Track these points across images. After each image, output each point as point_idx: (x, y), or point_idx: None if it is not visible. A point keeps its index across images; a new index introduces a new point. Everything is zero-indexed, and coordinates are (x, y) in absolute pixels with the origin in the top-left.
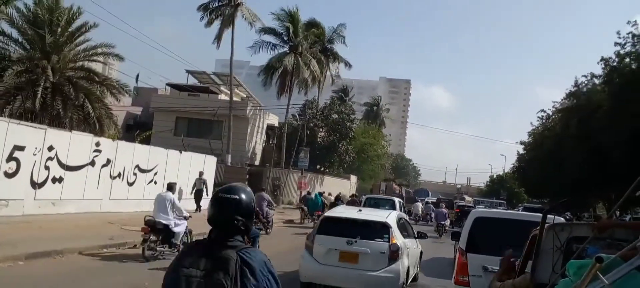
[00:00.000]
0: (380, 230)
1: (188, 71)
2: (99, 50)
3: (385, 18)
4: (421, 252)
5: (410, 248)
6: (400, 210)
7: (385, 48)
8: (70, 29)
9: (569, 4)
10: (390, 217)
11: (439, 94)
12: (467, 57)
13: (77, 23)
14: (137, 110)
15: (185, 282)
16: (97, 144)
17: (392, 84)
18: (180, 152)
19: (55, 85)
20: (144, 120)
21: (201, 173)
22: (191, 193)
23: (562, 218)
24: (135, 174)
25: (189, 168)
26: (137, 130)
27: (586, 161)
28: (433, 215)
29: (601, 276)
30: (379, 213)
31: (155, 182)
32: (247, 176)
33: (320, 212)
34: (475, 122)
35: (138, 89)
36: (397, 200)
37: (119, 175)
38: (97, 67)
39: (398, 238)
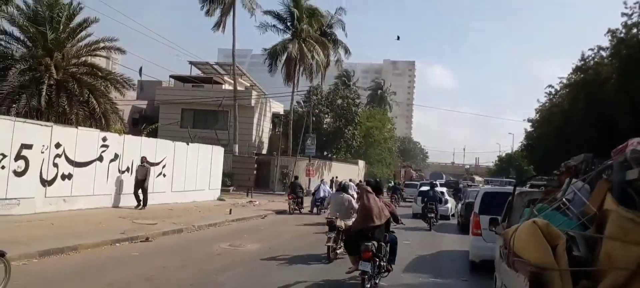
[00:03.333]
0: None
1: (191, 62)
2: (101, 44)
3: (384, 1)
4: None
5: None
6: None
7: (386, 29)
8: (71, 25)
9: None
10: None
11: (440, 73)
12: (466, 35)
13: (78, 19)
14: (143, 104)
15: None
16: (104, 139)
17: (396, 66)
18: (188, 144)
19: (60, 82)
20: (150, 114)
21: (144, 159)
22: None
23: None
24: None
25: (197, 160)
26: (143, 124)
27: (594, 135)
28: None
29: (535, 211)
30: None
31: (164, 175)
32: (255, 165)
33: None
34: (478, 101)
35: (142, 83)
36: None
37: (128, 169)
38: (100, 62)
39: None
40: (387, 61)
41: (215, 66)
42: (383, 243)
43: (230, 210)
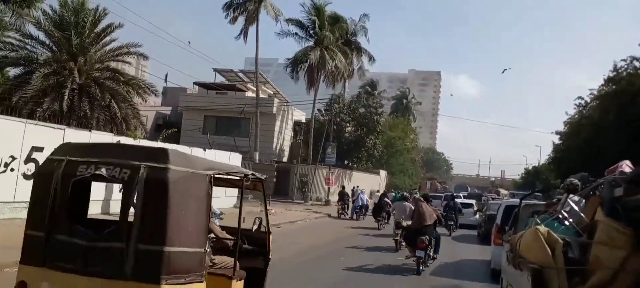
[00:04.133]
0: None
1: (215, 69)
2: (125, 50)
3: (410, 10)
4: None
5: None
6: None
7: (412, 40)
8: (96, 30)
9: None
10: None
11: (466, 84)
12: (491, 45)
13: (103, 24)
14: (167, 110)
15: None
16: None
17: (421, 76)
18: (204, 150)
19: (82, 87)
20: (174, 120)
21: None
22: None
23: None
24: None
25: None
26: (166, 129)
27: (626, 149)
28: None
29: (537, 220)
30: None
31: None
32: (275, 173)
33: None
34: (504, 113)
35: (167, 89)
36: None
37: None
38: (129, 69)
39: None
40: (412, 71)
41: (239, 74)
42: (432, 238)
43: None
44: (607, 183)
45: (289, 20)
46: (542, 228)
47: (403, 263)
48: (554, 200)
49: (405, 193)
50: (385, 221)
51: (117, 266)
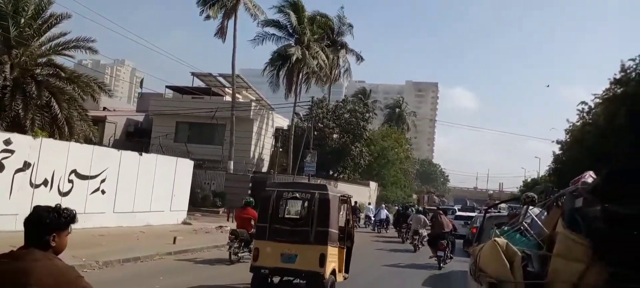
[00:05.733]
0: None
1: (193, 73)
2: (72, 44)
3: (408, 22)
4: None
5: None
6: None
7: (408, 52)
8: (38, 21)
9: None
10: None
11: (462, 96)
12: (488, 58)
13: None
14: (139, 117)
15: None
16: (7, 143)
17: (418, 87)
18: (140, 154)
19: (16, 83)
20: (146, 127)
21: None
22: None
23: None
24: (71, 181)
25: (154, 174)
26: (137, 137)
27: (635, 155)
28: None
29: (497, 232)
30: None
31: (103, 192)
32: (250, 184)
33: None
34: (501, 125)
35: (143, 95)
36: None
37: (46, 182)
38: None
39: None
40: (409, 82)
41: (219, 78)
42: (449, 242)
43: (175, 238)
44: (568, 194)
45: (265, 22)
46: (501, 240)
47: (426, 262)
48: (516, 212)
49: (407, 205)
50: (406, 232)
51: (306, 238)
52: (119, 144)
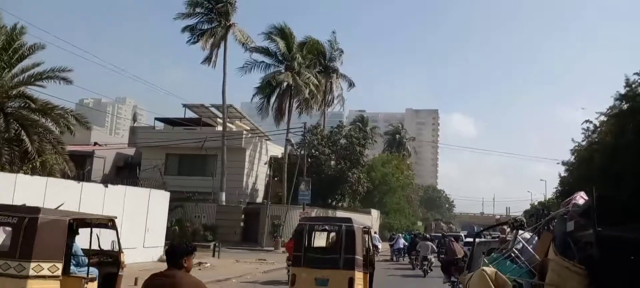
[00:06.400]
0: None
1: (185, 105)
2: (46, 74)
3: (405, 50)
4: None
5: None
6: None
7: (408, 80)
8: (9, 52)
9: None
10: None
11: (462, 121)
12: (483, 82)
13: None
14: (131, 151)
15: None
16: None
17: (419, 115)
18: (106, 186)
19: None
20: (137, 161)
21: None
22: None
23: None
24: None
25: (123, 207)
26: (128, 171)
27: None
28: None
29: (485, 260)
30: None
31: None
32: (242, 216)
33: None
34: (503, 149)
35: (135, 129)
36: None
37: None
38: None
39: None
40: (409, 110)
41: (211, 108)
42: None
43: (136, 280)
44: (559, 217)
45: (253, 49)
46: (490, 269)
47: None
48: (507, 237)
49: (416, 234)
50: (415, 258)
51: (336, 264)
52: (108, 179)
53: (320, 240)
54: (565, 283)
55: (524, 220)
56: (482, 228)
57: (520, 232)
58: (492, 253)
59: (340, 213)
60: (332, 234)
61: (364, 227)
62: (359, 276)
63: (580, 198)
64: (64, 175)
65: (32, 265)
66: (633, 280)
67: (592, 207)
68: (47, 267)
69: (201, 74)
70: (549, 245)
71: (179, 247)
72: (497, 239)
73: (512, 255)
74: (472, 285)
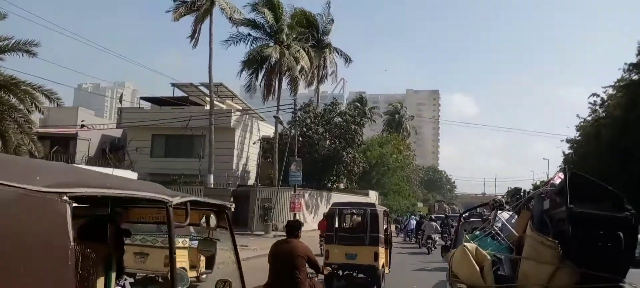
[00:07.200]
0: None
1: (173, 84)
2: (8, 47)
3: (405, 30)
4: None
5: None
6: None
7: (409, 62)
8: None
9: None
10: None
11: (462, 101)
12: (485, 61)
13: None
14: (118, 133)
15: None
16: None
17: (419, 96)
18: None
19: None
20: (123, 143)
21: None
22: None
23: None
24: None
25: None
26: (114, 154)
27: None
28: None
29: (467, 237)
30: None
31: None
32: (231, 199)
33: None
34: (504, 128)
35: (122, 110)
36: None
37: None
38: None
39: None
40: (410, 91)
41: (200, 87)
42: None
43: None
44: (536, 196)
45: (240, 21)
46: (470, 245)
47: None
48: (489, 216)
49: (422, 215)
50: (421, 238)
51: (363, 241)
52: (92, 162)
53: (345, 222)
54: (540, 257)
55: (503, 201)
56: (463, 211)
57: (500, 211)
58: (474, 231)
59: (335, 196)
60: (355, 216)
61: (384, 210)
62: (381, 251)
63: (558, 177)
64: (32, 157)
65: None
66: (601, 253)
67: (565, 186)
68: None
69: (199, 58)
70: (527, 223)
71: (296, 223)
72: (480, 219)
73: (493, 232)
74: (455, 260)
